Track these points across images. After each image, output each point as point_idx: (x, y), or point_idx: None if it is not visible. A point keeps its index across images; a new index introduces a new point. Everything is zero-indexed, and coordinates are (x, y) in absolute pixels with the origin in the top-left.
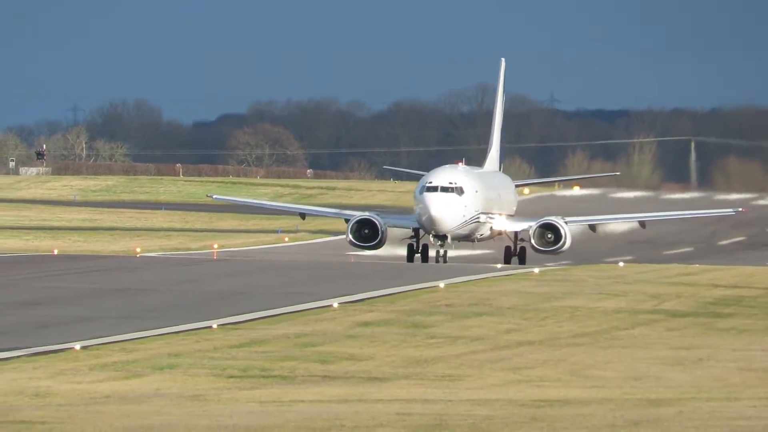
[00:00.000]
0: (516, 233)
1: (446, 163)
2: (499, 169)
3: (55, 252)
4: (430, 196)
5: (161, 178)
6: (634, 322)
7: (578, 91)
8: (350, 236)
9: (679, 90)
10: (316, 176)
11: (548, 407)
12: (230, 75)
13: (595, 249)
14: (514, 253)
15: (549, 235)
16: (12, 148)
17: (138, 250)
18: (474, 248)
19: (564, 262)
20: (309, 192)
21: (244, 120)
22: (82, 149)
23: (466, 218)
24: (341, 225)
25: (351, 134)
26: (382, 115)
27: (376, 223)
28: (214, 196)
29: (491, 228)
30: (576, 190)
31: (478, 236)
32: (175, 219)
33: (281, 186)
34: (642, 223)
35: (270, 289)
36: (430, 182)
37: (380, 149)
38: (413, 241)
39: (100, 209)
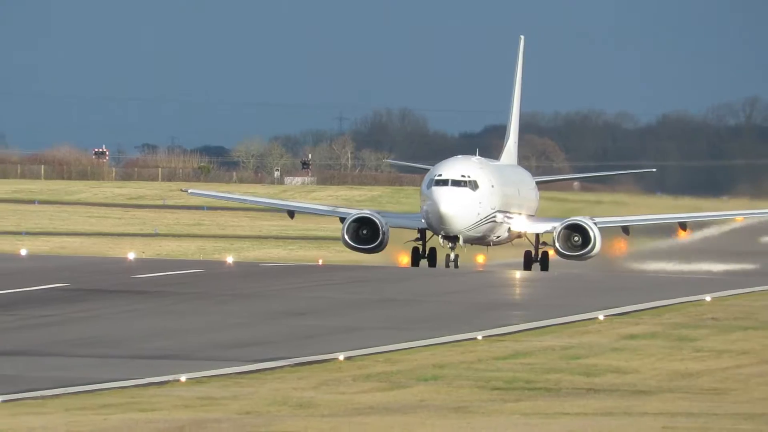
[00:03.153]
0: (537, 236)
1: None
2: (517, 163)
3: (320, 262)
4: (439, 191)
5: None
6: None
7: None
8: (345, 237)
9: None
10: (583, 189)
11: None
12: (494, 85)
13: None
14: (536, 258)
15: (576, 238)
16: (277, 158)
17: (404, 260)
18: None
19: None
20: (575, 206)
21: None
22: (348, 159)
23: (481, 217)
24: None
25: (618, 147)
26: (649, 127)
27: (376, 222)
28: (189, 191)
29: (509, 229)
30: None
31: (494, 238)
32: None
33: (547, 199)
34: (683, 225)
35: (535, 301)
36: (440, 175)
37: (647, 162)
38: (419, 244)
39: None
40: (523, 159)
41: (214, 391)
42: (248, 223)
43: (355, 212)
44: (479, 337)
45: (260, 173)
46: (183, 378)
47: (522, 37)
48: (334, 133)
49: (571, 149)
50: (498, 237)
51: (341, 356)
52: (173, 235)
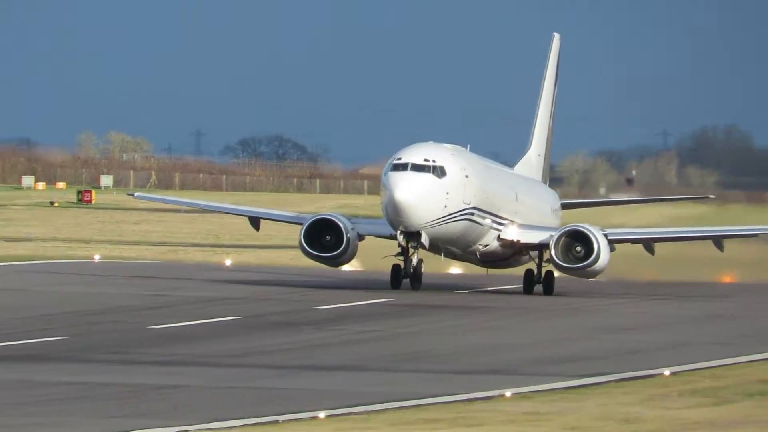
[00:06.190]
0: (541, 251)
1: None
2: (544, 181)
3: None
4: (395, 176)
5: (753, 207)
6: None
7: None
8: (303, 242)
9: None
10: None
11: None
12: None
13: None
14: (538, 278)
15: (578, 248)
16: (602, 174)
17: (727, 278)
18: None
19: None
20: None
21: None
22: (673, 176)
23: (449, 211)
24: None
25: None
26: None
27: (340, 226)
28: (135, 195)
29: (499, 236)
30: None
31: (481, 248)
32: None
33: None
34: (718, 243)
35: None
36: (399, 159)
37: None
38: (401, 260)
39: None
40: None
41: (539, 406)
42: None
43: (316, 216)
44: None
45: (584, 189)
46: (508, 393)
47: (556, 34)
48: (659, 148)
49: None
50: (485, 246)
51: (667, 371)
52: None
